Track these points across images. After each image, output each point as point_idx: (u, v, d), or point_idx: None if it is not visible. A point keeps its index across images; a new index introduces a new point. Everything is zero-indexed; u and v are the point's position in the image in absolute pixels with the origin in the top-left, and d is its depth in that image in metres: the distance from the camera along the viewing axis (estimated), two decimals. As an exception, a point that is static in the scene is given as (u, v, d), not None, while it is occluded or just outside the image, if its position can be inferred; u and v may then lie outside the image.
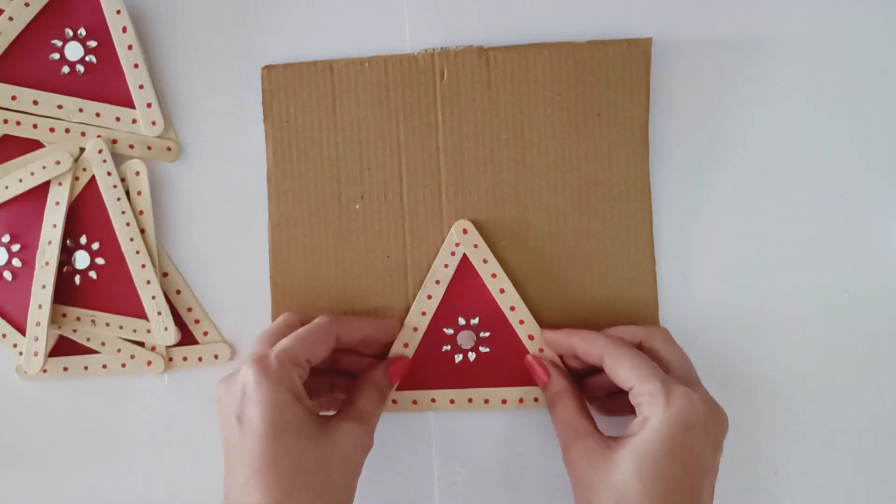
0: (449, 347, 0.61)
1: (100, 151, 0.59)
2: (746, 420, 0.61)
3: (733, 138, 0.62)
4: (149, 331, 0.60)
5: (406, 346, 0.60)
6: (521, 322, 0.61)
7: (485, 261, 0.60)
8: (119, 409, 0.62)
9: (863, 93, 0.62)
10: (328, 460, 0.51)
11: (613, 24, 0.61)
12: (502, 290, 0.61)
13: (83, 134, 0.60)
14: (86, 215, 0.60)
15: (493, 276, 0.60)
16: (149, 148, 0.60)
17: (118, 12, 0.59)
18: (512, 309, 0.60)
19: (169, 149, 0.60)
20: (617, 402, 0.59)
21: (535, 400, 0.61)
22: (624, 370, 0.54)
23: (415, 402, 0.61)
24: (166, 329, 0.60)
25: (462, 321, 0.61)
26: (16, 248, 0.60)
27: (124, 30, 0.59)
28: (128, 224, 0.60)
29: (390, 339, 0.60)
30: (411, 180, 0.61)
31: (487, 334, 0.61)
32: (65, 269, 0.60)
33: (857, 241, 0.62)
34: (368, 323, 0.59)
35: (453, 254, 0.60)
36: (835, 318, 0.63)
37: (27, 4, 0.59)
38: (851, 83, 0.62)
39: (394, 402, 0.61)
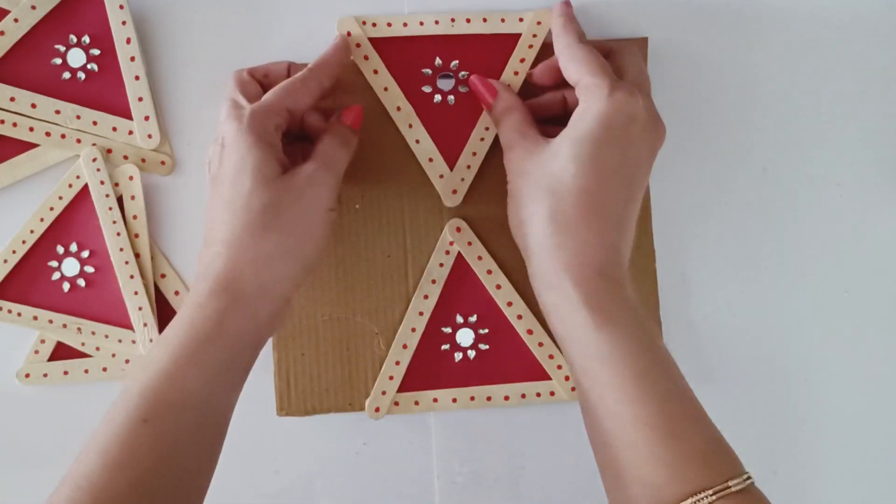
0: (448, 346, 0.61)
1: (94, 160, 0.59)
2: (746, 420, 0.61)
3: (733, 138, 0.62)
4: (134, 341, 0.60)
5: (405, 347, 0.60)
6: (519, 317, 0.61)
7: (479, 258, 0.60)
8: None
9: (863, 92, 0.62)
10: (281, 199, 0.51)
11: (610, 25, 0.61)
12: (499, 287, 0.61)
13: (78, 141, 0.60)
14: (77, 223, 0.61)
15: (489, 272, 0.61)
16: (143, 160, 0.60)
17: (123, 23, 0.59)
18: (509, 304, 0.61)
19: (163, 163, 0.60)
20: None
21: (538, 395, 0.61)
22: (574, 64, 0.54)
23: (417, 402, 0.61)
24: (151, 341, 0.60)
25: (460, 319, 0.61)
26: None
27: (128, 41, 0.59)
28: (118, 234, 0.60)
29: (344, 57, 0.59)
30: (412, 179, 0.61)
31: (486, 331, 0.61)
32: (53, 277, 0.60)
33: (857, 241, 0.62)
34: (330, 56, 0.58)
35: (448, 252, 0.60)
36: (835, 318, 0.63)
37: (34, 7, 0.59)
38: (851, 83, 0.62)
39: (396, 403, 0.61)
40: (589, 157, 0.50)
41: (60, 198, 0.60)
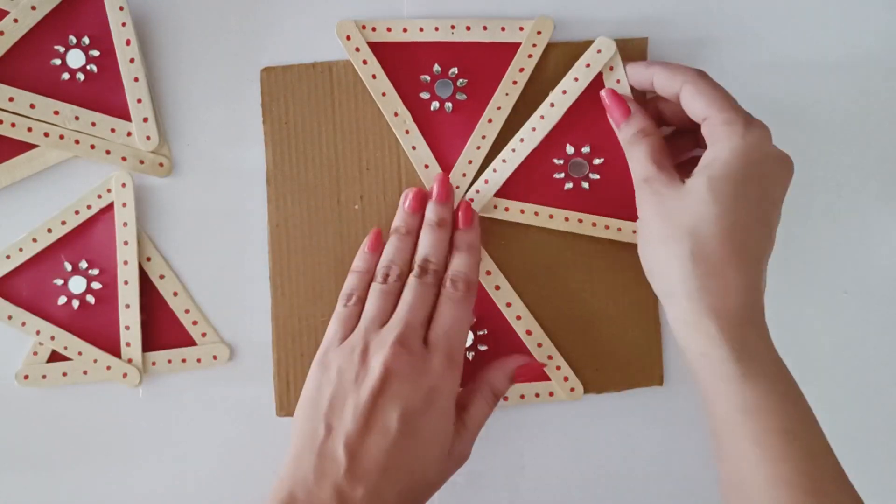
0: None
1: (123, 185, 0.60)
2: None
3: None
4: (125, 375, 0.60)
5: None
6: (518, 318, 0.61)
7: None
8: (118, 412, 0.62)
9: (863, 92, 0.62)
10: (422, 450, 0.52)
11: (609, 26, 0.61)
12: (497, 288, 0.60)
13: (77, 142, 0.60)
14: (92, 241, 0.60)
15: (488, 273, 0.60)
16: (141, 162, 0.60)
17: (123, 24, 0.59)
18: (508, 305, 0.60)
19: (161, 165, 0.60)
20: (678, 142, 0.59)
21: (537, 395, 0.61)
22: (703, 99, 0.52)
23: None
24: (125, 376, 0.60)
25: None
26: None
27: (128, 42, 0.59)
28: (126, 263, 0.60)
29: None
30: (410, 180, 0.61)
31: (485, 332, 0.61)
32: (56, 282, 0.60)
33: (857, 241, 0.62)
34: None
35: None
36: (835, 318, 0.62)
37: (34, 8, 0.59)
38: (851, 83, 0.62)
39: None
40: (731, 197, 0.50)
41: (77, 212, 0.60)
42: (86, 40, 0.59)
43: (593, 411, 0.62)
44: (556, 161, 0.60)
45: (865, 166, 0.62)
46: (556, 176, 0.61)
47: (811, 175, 0.62)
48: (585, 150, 0.60)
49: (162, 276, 0.61)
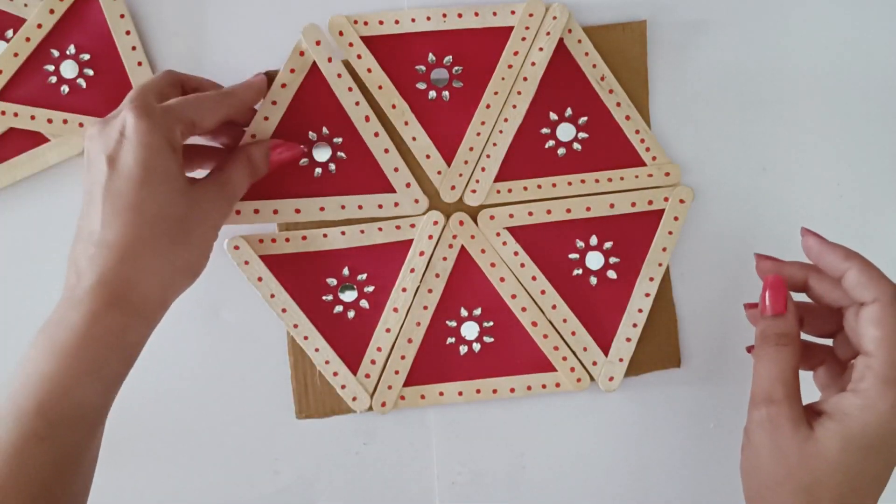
0: (453, 340, 0.61)
1: (318, 43, 0.59)
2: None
3: (733, 138, 0.62)
4: (396, 203, 0.60)
5: (410, 341, 0.60)
6: (524, 309, 0.61)
7: (483, 251, 0.60)
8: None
9: (863, 92, 0.63)
10: (189, 215, 0.51)
11: (606, 9, 0.62)
12: (502, 279, 0.61)
13: (81, 125, 0.60)
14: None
15: (493, 265, 0.61)
16: None
17: (127, 32, 0.60)
18: (513, 297, 0.61)
19: None
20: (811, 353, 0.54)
21: (543, 387, 0.61)
22: (877, 333, 0.47)
23: (423, 396, 0.61)
24: None
25: (464, 313, 0.61)
26: (369, 289, 0.60)
27: (128, 32, 0.60)
28: (365, 116, 0.60)
29: (256, 100, 0.58)
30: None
31: (491, 324, 0.61)
32: (303, 162, 0.60)
33: (857, 241, 0.63)
34: (247, 89, 0.57)
35: (451, 246, 0.60)
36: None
37: (39, 26, 0.59)
38: (851, 82, 0.63)
39: (402, 398, 0.61)
40: (856, 464, 0.47)
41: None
42: (72, 49, 0.60)
43: (596, 406, 0.62)
44: (543, 131, 0.61)
45: (865, 166, 0.63)
46: (548, 145, 0.61)
47: (811, 175, 0.62)
48: (568, 113, 0.61)
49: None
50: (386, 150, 0.60)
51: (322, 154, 0.60)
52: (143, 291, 0.49)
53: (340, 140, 0.60)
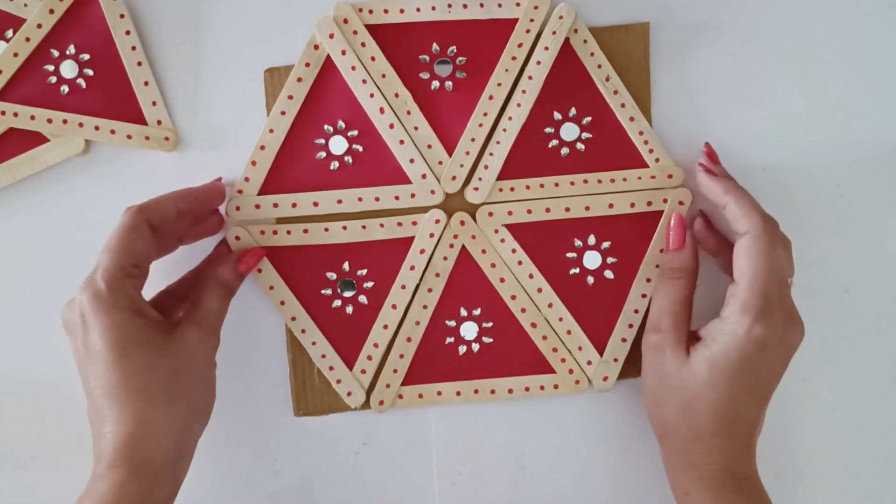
0: (452, 339, 0.61)
1: (331, 36, 0.59)
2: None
3: (733, 138, 0.62)
4: (147, 138, 0.60)
5: (409, 340, 0.60)
6: (523, 311, 0.61)
7: (483, 251, 0.60)
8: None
9: (863, 92, 0.63)
10: (178, 368, 0.51)
11: (610, 9, 0.62)
12: (502, 280, 0.61)
13: (81, 125, 0.60)
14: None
15: (493, 266, 0.61)
16: (147, 138, 0.60)
17: (128, 33, 0.60)
18: (513, 298, 0.61)
19: (167, 139, 0.60)
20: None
21: (542, 388, 0.61)
22: (743, 262, 0.53)
23: (421, 395, 0.61)
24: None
25: (464, 313, 0.61)
26: (368, 285, 0.60)
27: (128, 33, 0.60)
28: (380, 108, 0.60)
29: (214, 202, 0.58)
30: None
31: (490, 325, 0.61)
32: (320, 155, 0.60)
33: (858, 241, 0.63)
34: (180, 195, 0.55)
35: (451, 246, 0.60)
36: (835, 318, 0.63)
37: (39, 26, 0.59)
38: (852, 82, 0.63)
39: (400, 396, 0.61)
40: (724, 384, 0.53)
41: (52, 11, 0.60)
42: (71, 49, 0.60)
43: (596, 406, 0.62)
44: (547, 130, 0.61)
45: (865, 166, 0.63)
46: (551, 145, 0.61)
47: (811, 175, 0.62)
48: (572, 113, 0.61)
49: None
50: (401, 142, 0.60)
51: (338, 147, 0.60)
52: (162, 452, 0.50)
53: (356, 133, 0.60)
